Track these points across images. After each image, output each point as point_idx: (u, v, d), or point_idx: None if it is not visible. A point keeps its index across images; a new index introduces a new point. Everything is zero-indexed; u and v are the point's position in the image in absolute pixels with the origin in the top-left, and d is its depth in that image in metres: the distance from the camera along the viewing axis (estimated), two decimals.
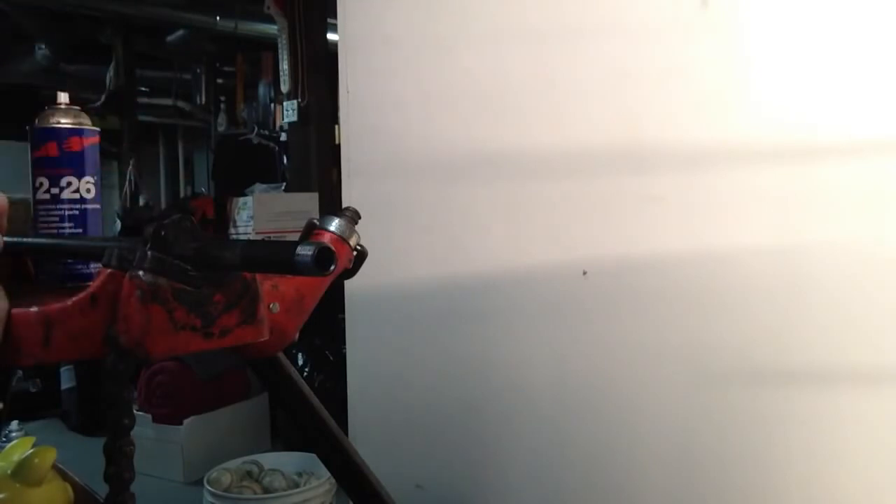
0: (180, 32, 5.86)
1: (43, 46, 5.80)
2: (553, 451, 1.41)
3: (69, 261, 0.72)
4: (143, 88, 7.16)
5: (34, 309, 0.56)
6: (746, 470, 1.21)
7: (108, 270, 0.57)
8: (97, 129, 0.75)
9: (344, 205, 1.25)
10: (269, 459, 2.58)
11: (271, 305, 0.69)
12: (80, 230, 0.73)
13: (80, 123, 0.73)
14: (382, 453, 1.52)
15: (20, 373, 0.68)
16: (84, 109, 0.75)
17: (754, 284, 1.20)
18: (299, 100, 3.89)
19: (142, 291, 0.55)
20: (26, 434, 1.89)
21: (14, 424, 2.31)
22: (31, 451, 1.07)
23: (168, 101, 7.35)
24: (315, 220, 0.76)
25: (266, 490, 2.35)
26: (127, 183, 5.66)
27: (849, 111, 1.12)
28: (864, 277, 1.12)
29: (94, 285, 0.57)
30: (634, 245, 1.29)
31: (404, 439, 1.59)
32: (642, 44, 1.27)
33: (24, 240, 0.67)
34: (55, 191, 0.72)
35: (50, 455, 1.07)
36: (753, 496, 1.21)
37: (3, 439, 1.71)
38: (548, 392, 1.41)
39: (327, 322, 2.56)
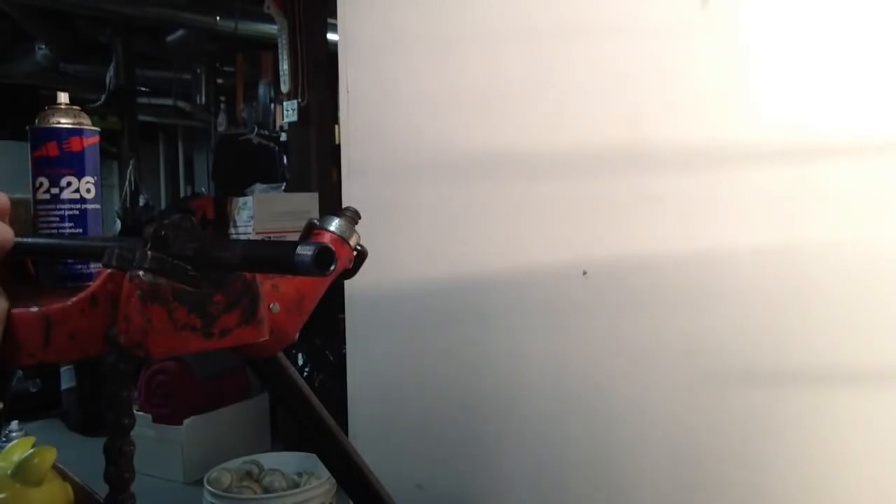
0: (180, 32, 5.86)
1: (43, 46, 5.80)
2: (553, 450, 1.41)
3: (69, 261, 0.72)
4: (143, 88, 7.16)
5: (34, 309, 0.56)
6: (746, 469, 1.21)
7: (108, 270, 0.57)
8: (97, 129, 0.74)
9: (344, 205, 1.25)
10: (269, 459, 2.58)
11: (271, 305, 0.69)
12: (80, 230, 0.73)
13: (80, 123, 0.73)
14: (382, 453, 1.52)
15: (20, 373, 0.68)
16: (84, 109, 0.75)
17: (754, 284, 1.20)
18: (299, 100, 3.89)
19: (142, 291, 0.55)
20: (26, 434, 1.89)
21: (14, 424, 2.30)
22: (31, 451, 1.07)
23: (168, 101, 7.35)
24: (315, 220, 0.76)
25: (266, 490, 2.35)
26: (127, 183, 5.65)
27: (849, 111, 1.12)
28: (864, 277, 1.12)
29: (94, 285, 0.57)
30: (634, 245, 1.29)
31: (404, 439, 1.59)
32: (642, 44, 1.27)
33: (24, 240, 0.67)
34: (55, 191, 0.72)
35: (50, 455, 1.07)
36: (753, 495, 1.21)
37: (3, 439, 1.71)
38: (548, 391, 1.41)
39: (327, 322, 2.56)
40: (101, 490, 0.60)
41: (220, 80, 7.05)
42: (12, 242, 0.60)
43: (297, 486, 2.36)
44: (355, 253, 0.78)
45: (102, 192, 0.75)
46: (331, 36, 3.96)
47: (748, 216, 1.19)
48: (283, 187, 4.23)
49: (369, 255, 0.80)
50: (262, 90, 6.08)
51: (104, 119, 6.08)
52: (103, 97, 6.25)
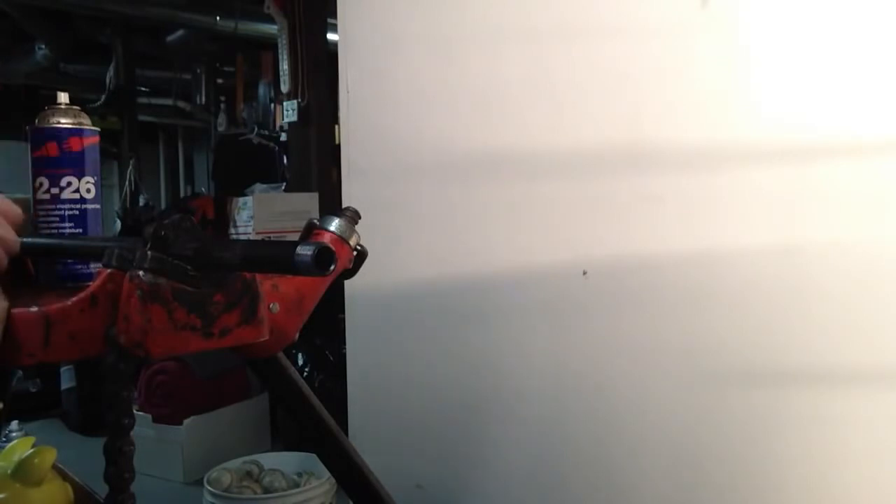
0: (180, 32, 5.86)
1: (43, 46, 5.79)
2: (553, 450, 1.41)
3: (69, 261, 0.72)
4: (143, 88, 7.16)
5: (34, 309, 0.56)
6: (746, 469, 1.21)
7: (108, 270, 0.57)
8: (97, 129, 0.75)
9: (344, 205, 1.25)
10: (269, 459, 2.57)
11: (271, 305, 0.69)
12: (80, 230, 0.73)
13: (80, 123, 0.73)
14: (382, 453, 1.51)
15: (20, 373, 0.68)
16: (84, 109, 0.75)
17: (754, 284, 1.19)
18: (299, 100, 3.88)
19: (142, 291, 0.55)
20: (26, 434, 1.89)
21: (14, 424, 2.30)
22: (31, 451, 1.07)
23: (168, 101, 7.35)
24: (315, 220, 0.76)
25: (266, 490, 2.35)
26: (127, 183, 5.65)
27: (849, 111, 1.12)
28: (864, 277, 1.12)
29: (94, 285, 0.57)
30: (634, 245, 1.29)
31: (404, 439, 1.59)
32: (642, 44, 1.27)
33: (24, 240, 0.67)
34: (55, 191, 0.72)
35: (50, 455, 1.07)
36: (753, 495, 1.21)
37: (3, 439, 1.71)
38: (547, 391, 1.41)
39: (327, 322, 2.56)
40: (101, 490, 0.60)
41: (220, 80, 7.04)
42: (16, 250, 0.60)
43: (297, 486, 2.36)
44: (355, 253, 0.78)
45: (102, 192, 0.75)
46: (331, 36, 3.96)
47: (748, 216, 1.19)
48: (283, 187, 4.22)
49: (369, 255, 0.80)
50: (262, 90, 6.07)
51: (104, 119, 6.08)
52: (103, 97, 6.25)
